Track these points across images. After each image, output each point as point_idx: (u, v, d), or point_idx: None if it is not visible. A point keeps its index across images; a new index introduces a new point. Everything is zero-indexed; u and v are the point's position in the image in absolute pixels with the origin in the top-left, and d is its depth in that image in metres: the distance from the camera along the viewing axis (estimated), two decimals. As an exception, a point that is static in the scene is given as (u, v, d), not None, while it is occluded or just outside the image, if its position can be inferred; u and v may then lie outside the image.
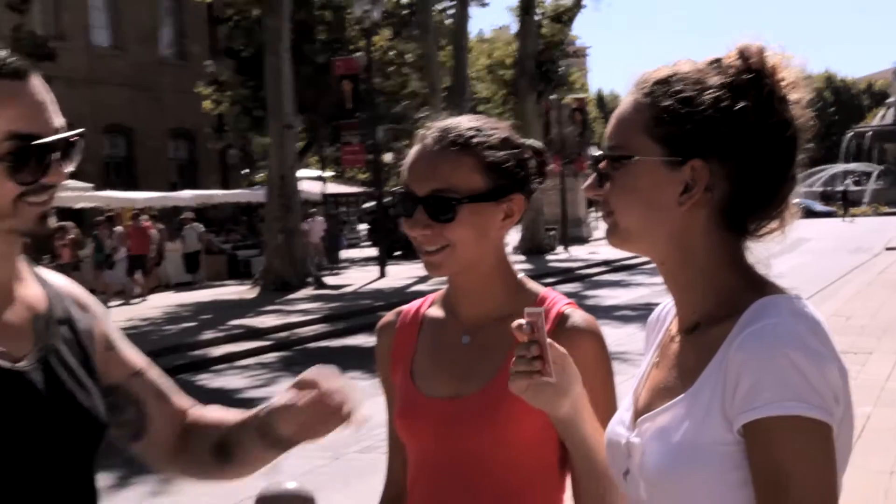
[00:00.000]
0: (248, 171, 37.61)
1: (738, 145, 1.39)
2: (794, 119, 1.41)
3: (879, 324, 12.88)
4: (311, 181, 32.37)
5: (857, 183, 54.68)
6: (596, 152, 1.49)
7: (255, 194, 29.96)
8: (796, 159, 1.43)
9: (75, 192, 24.73)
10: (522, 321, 1.51)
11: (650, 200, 1.42)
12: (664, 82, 1.43)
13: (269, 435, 1.70)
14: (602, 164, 1.46)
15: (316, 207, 30.64)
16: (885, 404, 8.20)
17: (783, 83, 1.41)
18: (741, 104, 1.38)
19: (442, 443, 1.83)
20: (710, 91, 1.39)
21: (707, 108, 1.39)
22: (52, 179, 1.52)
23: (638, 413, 1.48)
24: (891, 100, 64.84)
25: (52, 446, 1.55)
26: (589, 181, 1.48)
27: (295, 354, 13.96)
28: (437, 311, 1.96)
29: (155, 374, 1.80)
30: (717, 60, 1.44)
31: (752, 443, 1.29)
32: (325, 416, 1.65)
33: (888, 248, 25.14)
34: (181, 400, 1.83)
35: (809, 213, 44.37)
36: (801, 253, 21.61)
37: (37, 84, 1.53)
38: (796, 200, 1.47)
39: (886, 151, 59.08)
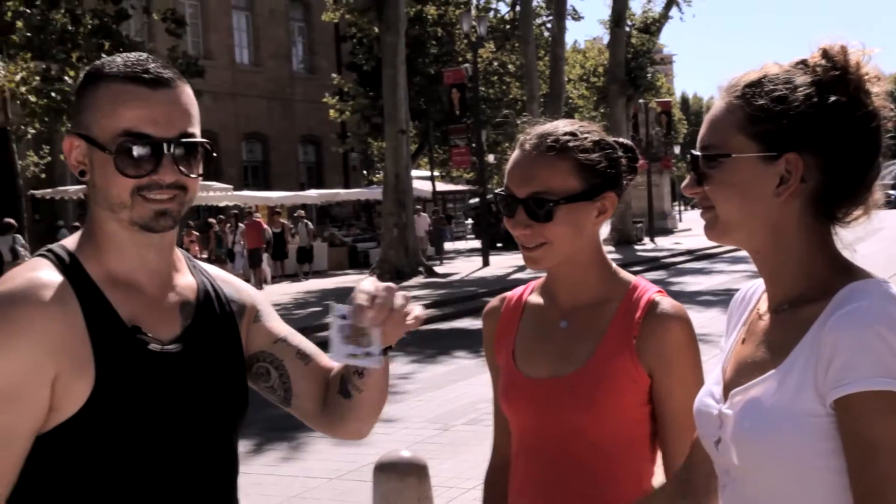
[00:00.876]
0: (367, 171, 38.02)
1: (830, 137, 1.35)
2: (878, 110, 1.38)
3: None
4: (423, 180, 32.53)
5: (924, 177, 52.25)
6: (690, 152, 1.45)
7: (373, 193, 30.29)
8: (881, 148, 1.40)
9: (219, 192, 25.41)
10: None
11: (749, 194, 1.38)
12: (756, 84, 1.39)
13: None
14: (700, 164, 1.42)
15: (425, 204, 30.77)
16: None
17: (866, 77, 1.38)
18: (831, 99, 1.35)
19: (542, 419, 1.80)
20: (801, 89, 1.36)
21: (799, 104, 1.35)
22: (163, 178, 1.50)
23: (727, 386, 1.44)
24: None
25: (199, 419, 1.57)
26: (687, 181, 1.45)
27: (408, 337, 14.00)
28: (537, 298, 1.93)
29: (298, 339, 1.74)
30: (803, 61, 1.41)
31: (843, 416, 1.26)
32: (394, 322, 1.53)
33: None
34: (327, 360, 1.71)
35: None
36: (875, 241, 20.80)
37: (172, 95, 1.52)
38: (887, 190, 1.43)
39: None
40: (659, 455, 1.81)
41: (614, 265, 1.89)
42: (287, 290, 20.75)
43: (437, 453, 6.86)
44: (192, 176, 1.54)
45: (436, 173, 34.72)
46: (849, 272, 1.37)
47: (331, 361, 1.71)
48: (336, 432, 1.73)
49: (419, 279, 21.38)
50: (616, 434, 1.76)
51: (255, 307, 1.73)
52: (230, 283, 1.74)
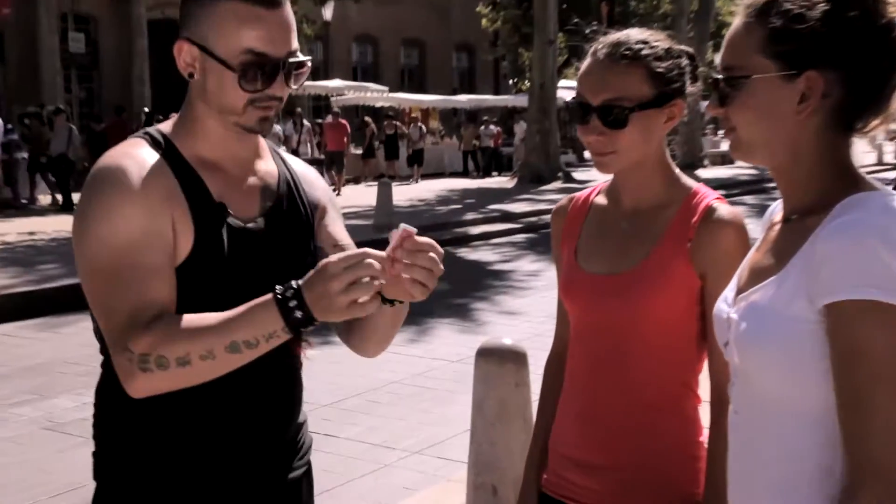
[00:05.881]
0: (516, 80, 37.51)
1: (850, 52, 1.27)
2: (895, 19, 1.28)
3: None
4: (569, 90, 31.82)
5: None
6: (711, 74, 1.38)
7: (520, 100, 29.91)
8: None
9: (375, 94, 25.64)
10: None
11: (769, 114, 1.32)
12: (772, 3, 1.31)
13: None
14: (721, 86, 1.36)
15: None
16: None
17: None
18: (849, 13, 1.27)
19: (596, 312, 1.81)
20: (819, 5, 1.28)
21: (817, 21, 1.27)
22: (274, 92, 1.56)
23: (739, 291, 1.42)
24: None
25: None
26: (710, 101, 1.39)
27: (539, 237, 14.04)
28: (602, 200, 1.92)
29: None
30: None
31: (831, 322, 1.23)
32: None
33: None
34: None
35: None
36: None
37: (283, 14, 1.56)
38: None
39: None
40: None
41: (677, 170, 1.85)
42: (434, 188, 20.94)
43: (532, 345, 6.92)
44: (295, 88, 1.60)
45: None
46: (855, 184, 1.31)
47: None
48: (354, 348, 1.74)
49: (557, 184, 21.20)
50: (663, 331, 1.76)
51: (325, 208, 1.77)
52: (308, 177, 1.79)
